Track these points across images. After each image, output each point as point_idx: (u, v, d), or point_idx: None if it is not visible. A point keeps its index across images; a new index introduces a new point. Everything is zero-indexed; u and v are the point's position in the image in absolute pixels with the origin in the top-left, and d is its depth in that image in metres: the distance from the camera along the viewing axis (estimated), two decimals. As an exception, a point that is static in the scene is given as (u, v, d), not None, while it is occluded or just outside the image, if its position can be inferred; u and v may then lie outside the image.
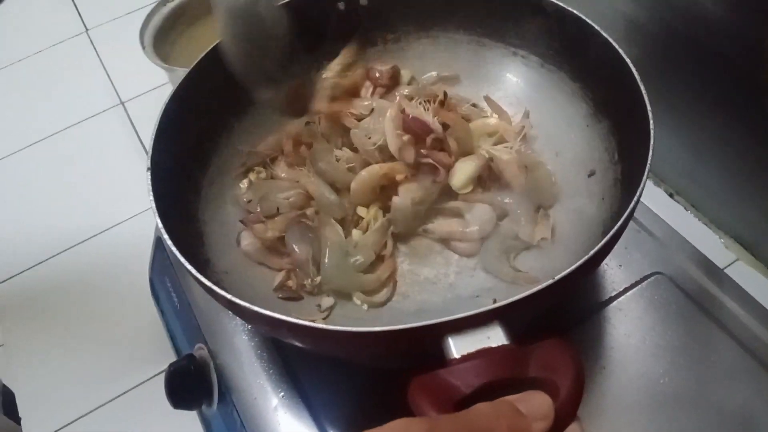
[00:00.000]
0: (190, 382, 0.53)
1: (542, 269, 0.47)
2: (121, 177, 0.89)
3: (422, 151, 0.49)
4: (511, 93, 0.58)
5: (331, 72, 0.56)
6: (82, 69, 1.09)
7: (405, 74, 0.59)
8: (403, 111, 0.50)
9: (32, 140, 0.99)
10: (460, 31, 0.59)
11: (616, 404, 0.46)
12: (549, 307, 0.43)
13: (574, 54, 0.52)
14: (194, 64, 0.51)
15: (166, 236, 0.40)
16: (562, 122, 0.54)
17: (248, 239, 0.50)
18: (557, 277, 0.34)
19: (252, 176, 0.55)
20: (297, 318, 0.35)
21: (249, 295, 0.44)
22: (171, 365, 0.54)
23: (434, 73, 0.60)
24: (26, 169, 0.96)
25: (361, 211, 0.51)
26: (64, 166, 0.95)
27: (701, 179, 0.68)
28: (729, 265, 0.65)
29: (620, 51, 0.46)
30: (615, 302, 0.51)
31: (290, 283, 0.49)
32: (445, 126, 0.51)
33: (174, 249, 0.39)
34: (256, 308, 0.36)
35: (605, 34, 0.47)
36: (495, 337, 0.32)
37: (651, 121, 0.42)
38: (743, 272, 0.64)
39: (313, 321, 0.37)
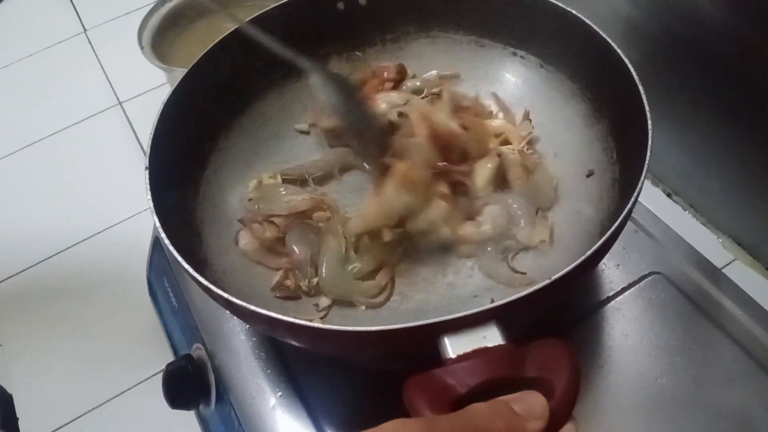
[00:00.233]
0: (188, 382, 0.53)
1: (540, 269, 0.47)
2: (119, 177, 0.90)
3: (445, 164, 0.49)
4: (510, 93, 0.58)
5: None
6: (80, 69, 1.09)
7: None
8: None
9: (30, 141, 0.99)
10: (460, 31, 0.59)
11: (613, 404, 0.46)
12: (547, 308, 0.43)
13: (573, 54, 0.52)
14: (192, 64, 0.51)
15: (163, 235, 0.40)
16: (560, 122, 0.54)
17: (246, 238, 0.50)
18: (554, 277, 0.34)
19: (264, 177, 0.54)
20: (294, 317, 0.35)
21: (247, 295, 0.45)
22: (169, 365, 0.54)
23: (434, 72, 0.60)
24: (24, 170, 0.96)
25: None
26: (62, 166, 0.95)
27: (699, 179, 0.68)
28: (727, 264, 0.65)
29: (619, 51, 0.46)
30: (613, 302, 0.51)
31: (288, 282, 0.49)
32: (464, 128, 0.50)
33: (171, 248, 0.39)
34: (253, 307, 0.36)
35: (604, 35, 0.47)
36: (491, 337, 0.32)
37: (649, 122, 0.42)
38: (741, 272, 0.64)
39: (310, 320, 0.37)
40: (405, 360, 0.37)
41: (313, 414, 0.47)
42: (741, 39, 0.55)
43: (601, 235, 0.37)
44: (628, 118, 0.45)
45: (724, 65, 0.58)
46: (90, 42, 1.14)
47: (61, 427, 0.69)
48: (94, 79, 1.07)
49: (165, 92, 0.48)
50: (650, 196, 0.69)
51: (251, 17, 0.53)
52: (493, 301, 0.33)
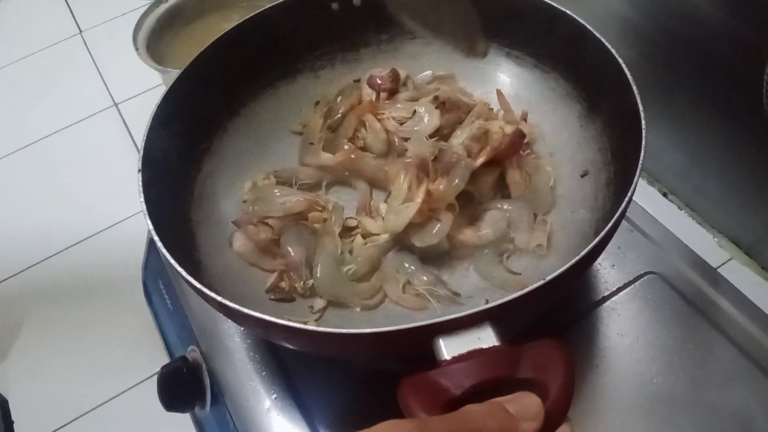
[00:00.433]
0: (183, 385, 0.53)
1: (535, 270, 0.47)
2: (115, 179, 0.89)
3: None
4: (504, 93, 0.57)
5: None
6: (75, 71, 1.09)
7: (400, 74, 0.59)
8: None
9: (26, 142, 0.99)
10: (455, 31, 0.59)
11: (609, 404, 0.46)
12: (543, 309, 0.43)
13: (568, 54, 0.52)
14: (187, 65, 0.50)
15: (157, 239, 0.40)
16: (555, 122, 0.54)
17: (241, 240, 0.50)
18: (548, 278, 0.34)
19: (259, 179, 0.54)
20: (289, 320, 0.35)
21: (241, 297, 0.44)
22: (164, 367, 0.53)
23: (429, 72, 0.60)
24: (20, 171, 0.96)
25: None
26: (58, 168, 0.95)
27: (696, 179, 0.68)
28: (722, 264, 0.65)
29: (613, 51, 0.46)
30: (608, 302, 0.51)
31: (283, 284, 0.48)
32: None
33: (165, 251, 0.39)
34: (246, 310, 0.35)
35: (598, 35, 0.47)
36: (486, 338, 0.32)
37: (643, 122, 0.42)
38: (737, 271, 0.64)
39: (305, 323, 0.36)
40: (400, 361, 0.37)
41: (308, 415, 0.47)
42: (740, 39, 0.55)
43: (596, 235, 0.37)
44: (623, 118, 0.44)
45: (723, 65, 0.58)
46: (86, 43, 1.14)
47: (56, 430, 0.69)
48: (90, 81, 1.07)
49: (160, 93, 0.48)
50: (646, 196, 0.69)
51: (246, 17, 0.53)
52: (487, 302, 0.33)
